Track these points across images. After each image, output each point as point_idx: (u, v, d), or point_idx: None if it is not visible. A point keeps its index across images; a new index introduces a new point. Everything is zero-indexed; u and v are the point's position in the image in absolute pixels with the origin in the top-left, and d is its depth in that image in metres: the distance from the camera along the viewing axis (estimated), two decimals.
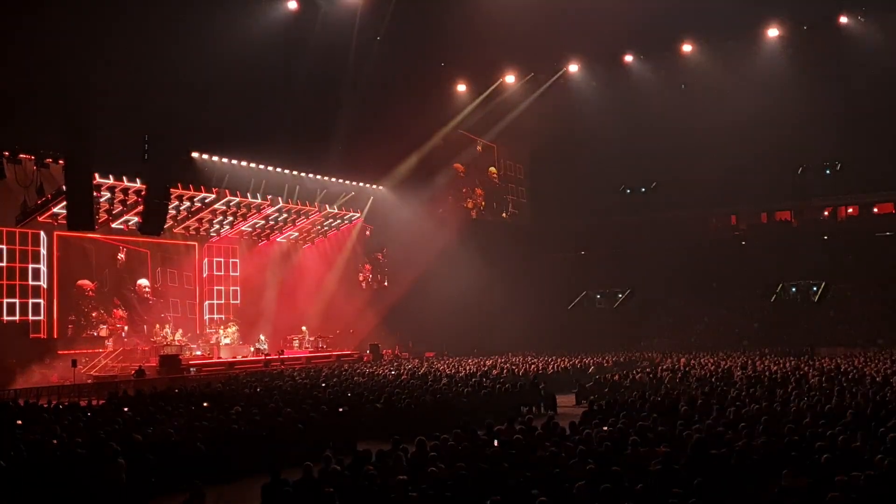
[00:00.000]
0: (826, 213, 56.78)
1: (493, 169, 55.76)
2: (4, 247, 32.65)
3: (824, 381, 22.47)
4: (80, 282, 35.67)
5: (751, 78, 47.48)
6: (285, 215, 41.56)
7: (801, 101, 47.05)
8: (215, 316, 41.84)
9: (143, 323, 37.55)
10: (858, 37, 43.11)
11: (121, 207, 34.03)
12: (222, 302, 42.62)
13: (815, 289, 50.29)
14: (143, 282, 38.36)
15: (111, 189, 32.39)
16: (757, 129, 51.05)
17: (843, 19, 42.76)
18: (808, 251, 51.02)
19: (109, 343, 35.88)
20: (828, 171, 55.75)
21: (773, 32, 43.85)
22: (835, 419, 14.28)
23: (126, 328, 36.98)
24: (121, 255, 37.23)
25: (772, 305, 49.85)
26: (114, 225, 35.16)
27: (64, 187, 28.74)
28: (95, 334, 35.80)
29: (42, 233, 33.74)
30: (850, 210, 56.34)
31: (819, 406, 16.27)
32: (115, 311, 36.95)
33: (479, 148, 53.60)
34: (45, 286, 34.00)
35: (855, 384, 21.32)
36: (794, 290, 51.05)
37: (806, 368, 27.70)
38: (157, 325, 36.83)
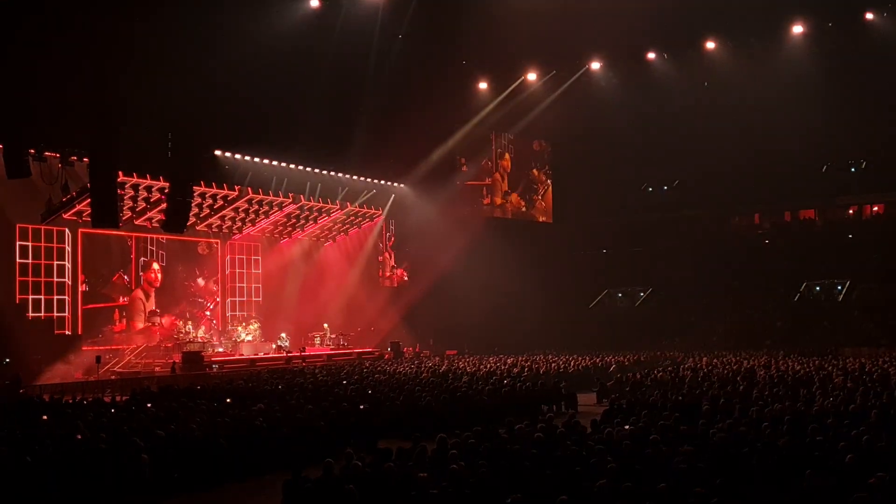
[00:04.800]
0: (851, 211, 56.17)
1: (511, 164, 55.39)
2: (30, 244, 33.02)
3: (848, 381, 22.25)
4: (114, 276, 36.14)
5: (775, 75, 47.04)
6: (307, 213, 41.72)
7: (825, 98, 46.58)
8: (237, 313, 42.09)
9: (162, 315, 37.88)
10: (885, 33, 42.63)
11: (144, 205, 34.34)
12: (244, 299, 42.87)
13: (839, 288, 49.78)
14: (162, 276, 38.55)
15: (135, 187, 32.70)
16: (781, 127, 50.57)
17: (869, 15, 42.32)
18: (833, 250, 50.54)
19: (134, 333, 36.11)
20: (853, 170, 55.13)
21: (797, 29, 43.44)
22: (859, 419, 14.15)
23: (148, 321, 37.30)
24: (144, 258, 37.60)
25: (795, 305, 49.41)
26: (137, 222, 35.48)
27: (88, 185, 29.01)
28: (121, 323, 36.06)
29: (67, 230, 34.10)
30: (876, 209, 55.68)
31: (843, 406, 16.12)
32: (138, 303, 37.25)
33: (496, 150, 53.42)
34: (69, 283, 34.36)
35: (879, 384, 21.10)
36: (818, 289, 50.56)
37: (830, 368, 27.43)
38: (180, 322, 37.11)
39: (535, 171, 57.57)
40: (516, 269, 48.06)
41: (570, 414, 19.26)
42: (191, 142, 30.26)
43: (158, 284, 38.19)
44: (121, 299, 36.70)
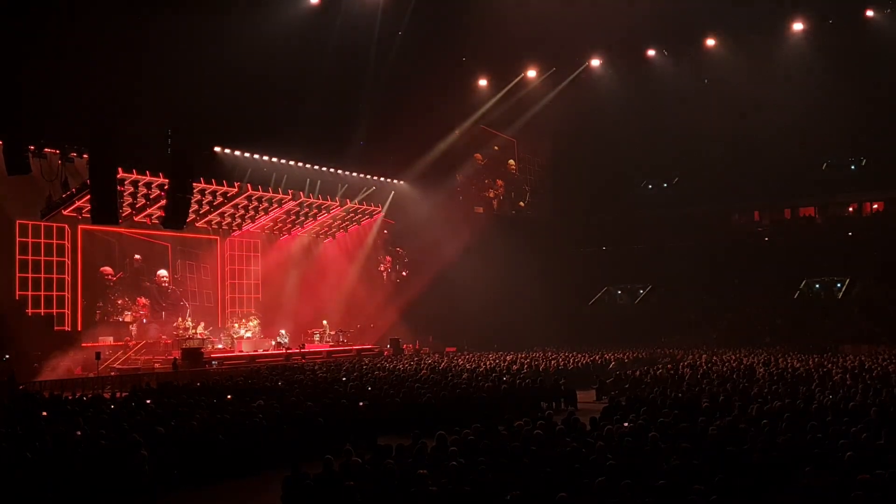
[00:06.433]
0: (850, 208, 56.18)
1: (511, 161, 55.74)
2: (30, 240, 33.03)
3: (848, 379, 22.27)
4: (102, 268, 36.12)
5: (775, 72, 47.07)
6: (306, 210, 41.70)
7: (825, 95, 46.58)
8: (237, 310, 42.08)
9: (161, 310, 37.99)
10: (884, 31, 42.63)
11: (144, 202, 34.32)
12: (244, 296, 42.85)
13: (839, 285, 49.80)
14: (162, 272, 38.73)
15: (135, 183, 32.68)
16: (780, 125, 50.60)
17: (869, 13, 42.32)
18: (833, 247, 50.53)
19: (133, 328, 36.28)
20: (853, 167, 55.16)
21: (797, 26, 43.44)
22: (858, 417, 14.15)
23: (147, 317, 37.38)
24: (137, 256, 37.63)
25: (795, 302, 49.42)
26: (137, 219, 35.48)
27: (88, 181, 28.99)
28: (120, 319, 36.23)
29: (67, 226, 34.10)
30: (875, 206, 55.67)
31: (842, 404, 16.12)
32: (138, 298, 37.36)
33: (496, 147, 53.64)
34: (69, 279, 34.35)
35: (879, 382, 21.11)
36: (817, 286, 50.57)
37: (829, 365, 27.45)
38: (179, 318, 37.12)
39: (531, 166, 57.72)
40: (516, 265, 48.05)
41: (569, 411, 19.30)
42: (190, 138, 30.27)
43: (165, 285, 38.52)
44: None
